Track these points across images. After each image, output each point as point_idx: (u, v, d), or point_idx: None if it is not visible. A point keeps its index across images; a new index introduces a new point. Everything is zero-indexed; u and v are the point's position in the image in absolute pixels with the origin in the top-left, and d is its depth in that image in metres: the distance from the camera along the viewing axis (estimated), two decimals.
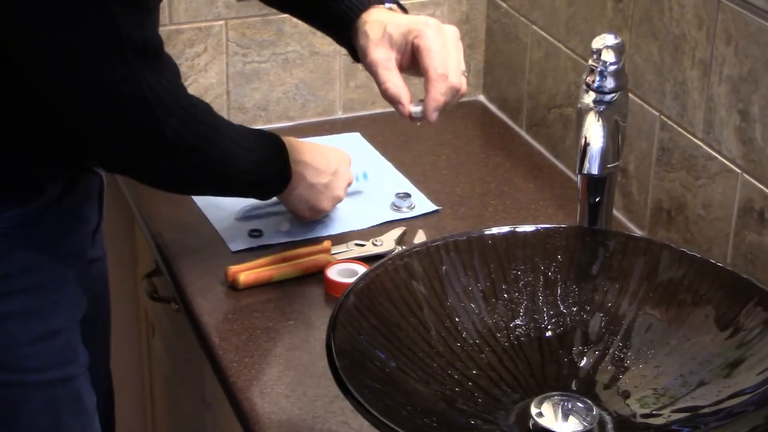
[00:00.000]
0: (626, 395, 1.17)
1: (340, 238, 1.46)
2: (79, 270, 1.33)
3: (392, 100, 1.25)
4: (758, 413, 1.08)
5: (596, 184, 1.32)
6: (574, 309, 1.25)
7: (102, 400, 1.48)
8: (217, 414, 1.42)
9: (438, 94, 1.23)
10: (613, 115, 1.28)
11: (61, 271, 1.30)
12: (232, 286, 1.39)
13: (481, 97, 1.87)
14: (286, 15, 1.62)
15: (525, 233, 1.27)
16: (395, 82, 1.24)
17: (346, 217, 1.51)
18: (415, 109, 1.25)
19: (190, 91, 1.69)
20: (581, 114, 1.28)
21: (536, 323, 1.24)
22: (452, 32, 1.27)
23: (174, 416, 1.70)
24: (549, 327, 1.24)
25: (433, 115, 1.24)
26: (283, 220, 1.49)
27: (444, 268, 1.24)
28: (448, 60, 1.25)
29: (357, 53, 1.31)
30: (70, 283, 1.31)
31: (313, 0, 1.34)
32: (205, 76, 1.71)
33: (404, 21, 1.28)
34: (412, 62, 1.27)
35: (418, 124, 1.26)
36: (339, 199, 1.47)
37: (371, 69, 1.26)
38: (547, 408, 1.13)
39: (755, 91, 1.29)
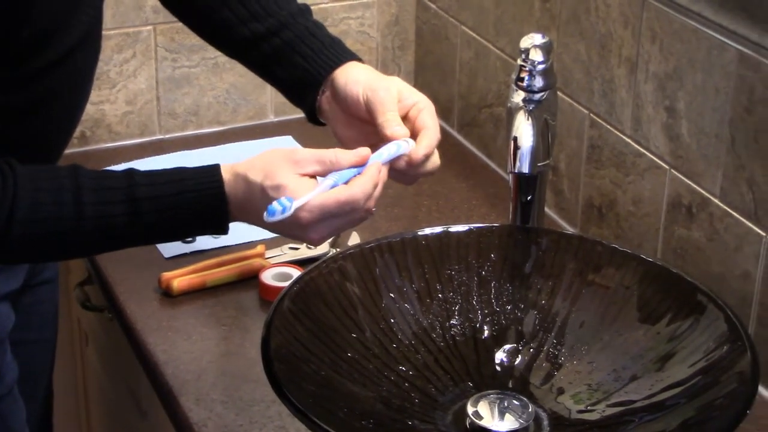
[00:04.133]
0: (561, 392, 1.18)
1: (274, 242, 1.46)
2: (5, 291, 1.30)
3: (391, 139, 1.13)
4: (690, 405, 1.09)
5: (527, 183, 1.33)
6: (509, 307, 1.25)
7: (40, 407, 1.46)
8: (154, 422, 1.41)
9: (434, 143, 1.14)
10: (543, 113, 1.30)
11: None
12: (166, 293, 1.38)
13: None
14: None
15: (458, 233, 1.28)
16: (400, 122, 1.14)
17: None
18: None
19: (120, 96, 1.70)
20: (511, 113, 1.29)
21: (471, 322, 1.24)
22: None
23: (110, 425, 1.69)
24: (484, 326, 1.24)
25: (421, 160, 1.13)
26: None
27: (378, 269, 1.24)
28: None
29: (318, 111, 1.23)
30: None
31: (276, 52, 1.24)
32: (135, 82, 1.70)
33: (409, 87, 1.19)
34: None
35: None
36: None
37: (371, 105, 1.16)
38: (483, 407, 1.14)
39: (680, 88, 1.30)
